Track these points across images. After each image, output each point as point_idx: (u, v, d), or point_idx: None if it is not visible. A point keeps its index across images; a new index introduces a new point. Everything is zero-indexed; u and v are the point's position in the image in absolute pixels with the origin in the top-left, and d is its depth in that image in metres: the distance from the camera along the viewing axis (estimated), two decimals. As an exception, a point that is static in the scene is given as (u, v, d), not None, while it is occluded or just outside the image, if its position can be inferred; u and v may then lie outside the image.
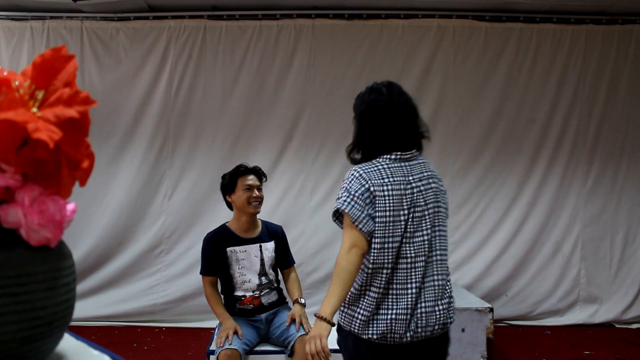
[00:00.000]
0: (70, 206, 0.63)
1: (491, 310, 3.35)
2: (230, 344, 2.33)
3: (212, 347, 2.53)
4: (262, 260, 2.59)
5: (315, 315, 1.63)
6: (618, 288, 4.30)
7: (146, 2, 4.11)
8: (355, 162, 1.78)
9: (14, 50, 4.22)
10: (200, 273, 2.62)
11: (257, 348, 2.52)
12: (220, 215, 4.19)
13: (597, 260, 4.32)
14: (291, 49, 4.26)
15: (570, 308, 4.28)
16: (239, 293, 2.57)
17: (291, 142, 4.27)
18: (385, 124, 1.71)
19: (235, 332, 2.40)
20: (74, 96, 0.61)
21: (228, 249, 2.56)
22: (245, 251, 2.57)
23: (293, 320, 2.50)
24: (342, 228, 1.70)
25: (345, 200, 1.64)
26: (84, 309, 3.98)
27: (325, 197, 4.24)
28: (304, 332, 2.42)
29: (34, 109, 0.59)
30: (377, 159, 1.69)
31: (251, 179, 2.60)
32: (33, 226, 0.58)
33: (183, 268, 4.19)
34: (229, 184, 2.61)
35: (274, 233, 2.70)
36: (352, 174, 1.68)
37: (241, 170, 2.62)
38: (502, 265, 4.27)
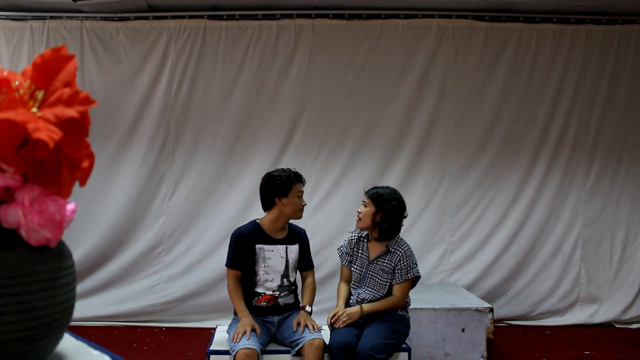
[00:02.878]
0: (70, 206, 0.63)
1: (491, 310, 3.35)
2: (247, 340, 2.31)
3: (213, 347, 2.53)
4: (287, 261, 2.61)
5: (360, 306, 2.54)
6: (618, 288, 4.30)
7: (146, 2, 4.11)
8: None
9: (14, 50, 4.22)
10: (226, 265, 2.58)
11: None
12: (221, 215, 4.21)
13: (597, 260, 4.32)
14: (291, 49, 4.25)
15: (570, 308, 4.28)
16: (258, 290, 2.57)
17: (291, 142, 4.27)
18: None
19: (254, 330, 2.39)
20: (74, 96, 0.61)
21: (257, 245, 2.57)
22: (273, 251, 2.58)
23: (298, 325, 2.49)
24: (400, 284, 2.58)
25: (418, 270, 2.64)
26: (84, 309, 3.98)
27: (325, 197, 4.24)
28: (314, 336, 2.41)
29: (34, 109, 0.59)
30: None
31: (302, 187, 2.63)
32: (33, 226, 0.58)
33: (183, 268, 4.19)
34: (284, 188, 2.57)
35: (298, 235, 2.71)
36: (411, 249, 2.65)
37: (296, 176, 2.60)
38: (502, 265, 4.27)
